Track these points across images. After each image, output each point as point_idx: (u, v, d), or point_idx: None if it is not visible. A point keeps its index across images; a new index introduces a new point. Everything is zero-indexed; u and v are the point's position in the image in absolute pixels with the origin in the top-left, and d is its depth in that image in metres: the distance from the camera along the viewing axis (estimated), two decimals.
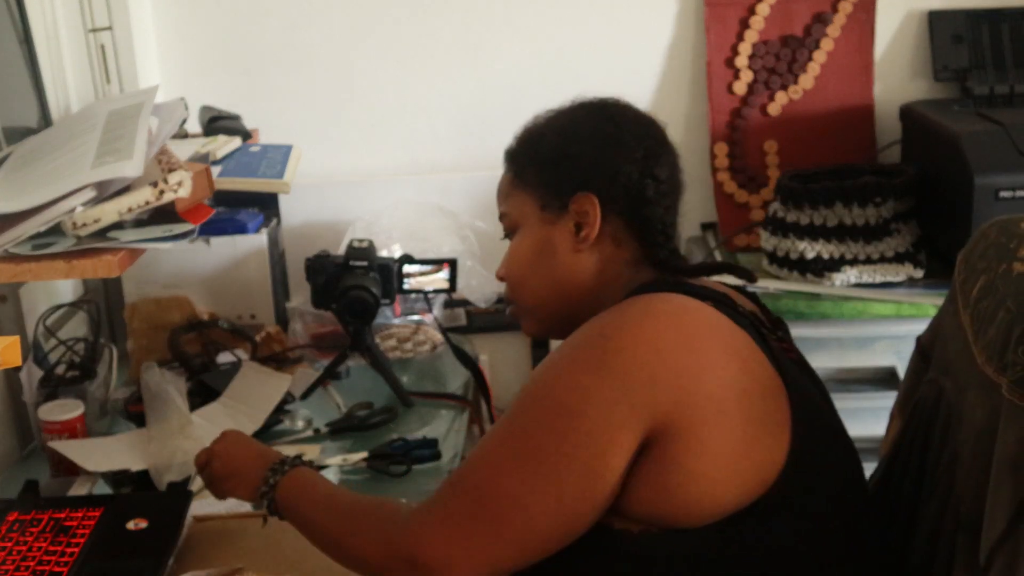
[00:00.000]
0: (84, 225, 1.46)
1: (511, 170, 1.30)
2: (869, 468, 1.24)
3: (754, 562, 1.07)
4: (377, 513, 1.15)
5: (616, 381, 1.05)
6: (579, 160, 1.23)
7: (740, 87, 2.34)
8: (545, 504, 1.06)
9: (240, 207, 2.10)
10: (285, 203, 2.21)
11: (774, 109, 2.35)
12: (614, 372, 1.05)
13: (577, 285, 1.24)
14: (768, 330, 1.19)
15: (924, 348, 1.25)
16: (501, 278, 1.32)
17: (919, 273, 2.08)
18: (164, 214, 1.55)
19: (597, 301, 1.21)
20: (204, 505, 1.54)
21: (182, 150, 1.86)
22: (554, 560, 1.09)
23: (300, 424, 1.80)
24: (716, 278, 1.28)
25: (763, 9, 2.32)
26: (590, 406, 1.05)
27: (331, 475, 1.63)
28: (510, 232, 1.30)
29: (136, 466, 1.59)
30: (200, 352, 1.95)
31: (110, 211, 1.47)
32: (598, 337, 1.09)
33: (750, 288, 1.31)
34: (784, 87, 2.34)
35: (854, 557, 1.13)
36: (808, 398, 1.13)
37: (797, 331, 1.33)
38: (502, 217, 1.31)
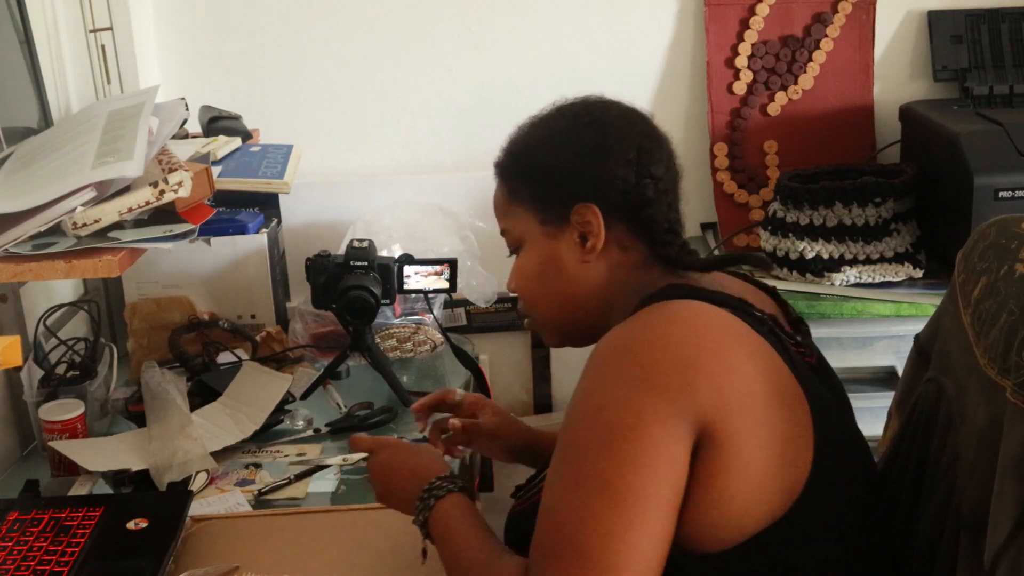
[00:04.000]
0: (84, 225, 1.47)
1: (504, 185, 1.28)
2: None
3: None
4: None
5: (660, 393, 1.03)
6: (571, 172, 1.20)
7: (740, 87, 2.35)
8: (647, 530, 1.02)
9: (240, 207, 2.10)
10: (285, 203, 2.21)
11: (774, 109, 2.35)
12: (655, 384, 1.03)
13: (589, 295, 1.22)
14: (787, 335, 1.16)
15: (923, 346, 1.25)
16: (512, 292, 1.30)
17: (919, 273, 2.08)
18: (164, 214, 1.55)
19: (611, 307, 1.20)
20: (204, 505, 1.54)
21: (182, 150, 1.86)
22: None
23: (300, 424, 1.80)
24: (731, 269, 1.25)
25: (763, 9, 2.32)
26: (644, 417, 1.02)
27: (331, 475, 1.64)
28: (514, 248, 1.28)
29: (136, 466, 1.59)
30: (200, 352, 1.95)
31: (110, 211, 1.47)
32: (625, 352, 1.06)
33: (770, 283, 1.29)
34: (784, 87, 2.34)
35: (870, 559, 1.13)
36: (827, 408, 1.11)
37: None
38: (504, 233, 1.29)
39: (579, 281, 1.22)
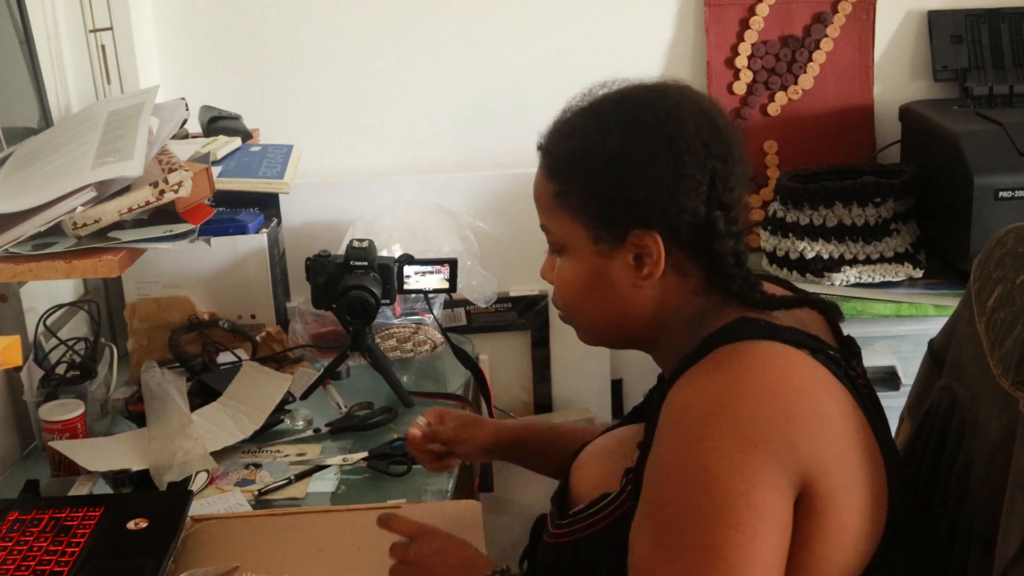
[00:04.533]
0: (84, 225, 1.47)
1: (551, 183, 1.14)
2: None
3: None
4: None
5: (767, 452, 0.96)
6: (637, 197, 1.08)
7: (740, 87, 2.34)
8: None
9: (240, 207, 2.10)
10: (285, 203, 2.21)
11: (774, 109, 2.35)
12: (759, 443, 0.96)
13: (638, 317, 1.13)
14: (848, 365, 1.09)
15: (936, 352, 1.24)
16: (555, 301, 1.21)
17: (919, 273, 2.08)
18: (164, 214, 1.55)
19: (661, 330, 1.14)
20: (204, 505, 1.54)
21: (182, 150, 1.86)
22: None
23: (300, 424, 1.80)
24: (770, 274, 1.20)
25: (763, 9, 2.32)
26: (760, 484, 0.96)
27: (331, 475, 1.64)
28: (556, 250, 1.17)
29: (136, 466, 1.59)
30: (200, 352, 1.95)
31: (110, 211, 1.47)
32: (722, 408, 0.98)
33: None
34: (784, 87, 2.34)
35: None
36: (894, 453, 1.07)
37: None
38: (544, 229, 1.17)
39: (629, 303, 1.12)
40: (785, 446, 0.97)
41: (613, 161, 1.09)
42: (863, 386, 1.09)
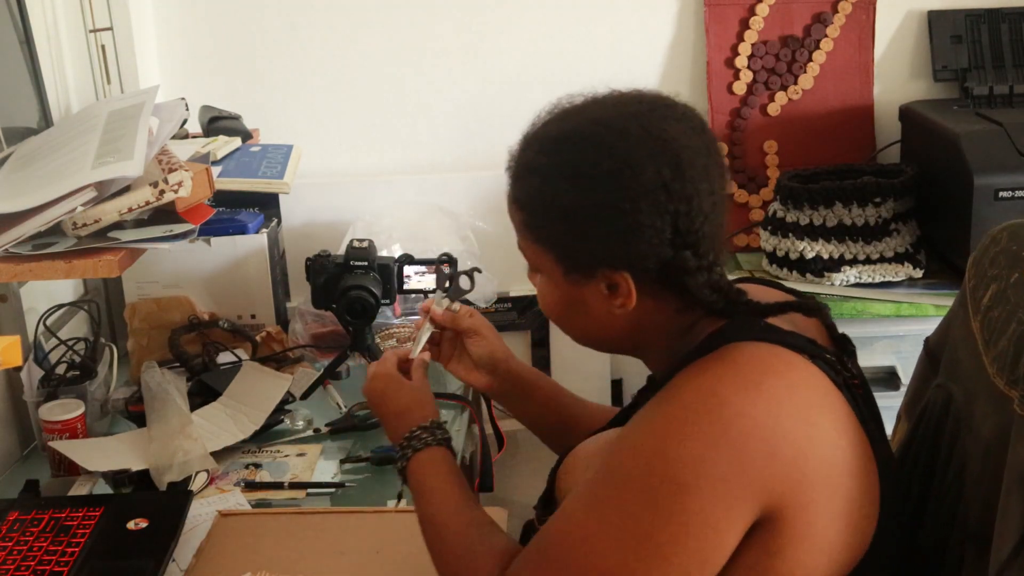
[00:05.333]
0: (84, 225, 1.47)
1: (520, 214, 1.11)
2: None
3: None
4: (474, 549, 1.11)
5: (733, 453, 0.94)
6: (596, 245, 1.05)
7: (740, 87, 2.34)
8: None
9: (240, 207, 2.10)
10: (285, 203, 2.21)
11: (774, 109, 2.35)
12: (732, 442, 0.95)
13: (619, 336, 1.12)
14: (842, 366, 1.07)
15: (932, 351, 1.24)
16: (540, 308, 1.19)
17: (918, 273, 2.08)
18: (164, 214, 1.55)
19: (646, 342, 1.13)
20: (204, 505, 1.54)
21: (182, 150, 1.86)
22: None
23: (300, 424, 1.80)
24: (760, 276, 1.19)
25: (763, 9, 2.32)
26: (704, 481, 0.94)
27: (331, 473, 1.64)
28: (532, 268, 1.16)
29: (136, 466, 1.59)
30: (200, 352, 1.95)
31: (110, 211, 1.47)
32: (711, 396, 0.97)
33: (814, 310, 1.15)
34: (784, 87, 2.35)
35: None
36: (888, 460, 1.06)
37: None
38: (520, 247, 1.15)
39: (607, 325, 1.11)
40: (762, 453, 0.95)
41: (568, 212, 1.05)
42: (858, 388, 1.07)
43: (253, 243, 2.05)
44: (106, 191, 1.49)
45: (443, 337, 1.43)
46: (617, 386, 2.44)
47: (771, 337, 1.03)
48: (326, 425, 1.80)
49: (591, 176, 1.04)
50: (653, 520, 0.95)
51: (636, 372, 2.41)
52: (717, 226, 1.07)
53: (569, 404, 1.43)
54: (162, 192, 1.49)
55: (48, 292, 1.93)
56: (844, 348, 1.13)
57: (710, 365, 1.00)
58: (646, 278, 1.06)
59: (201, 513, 1.51)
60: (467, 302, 2.23)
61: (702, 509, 0.95)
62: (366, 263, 1.88)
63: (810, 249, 2.07)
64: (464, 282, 1.47)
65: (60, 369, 1.77)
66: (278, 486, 1.60)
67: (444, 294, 1.44)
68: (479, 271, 1.50)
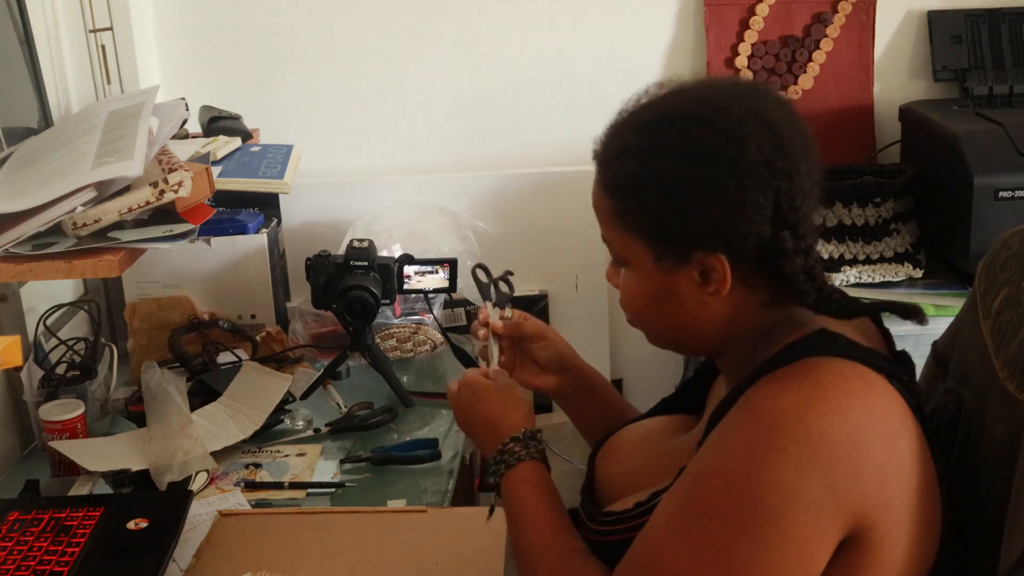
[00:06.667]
0: (84, 225, 1.47)
1: (609, 201, 1.08)
2: None
3: None
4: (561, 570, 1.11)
5: (823, 476, 0.93)
6: (697, 223, 1.02)
7: None
8: None
9: (240, 207, 2.10)
10: (285, 203, 2.21)
11: None
12: (820, 465, 0.93)
13: (706, 329, 1.09)
14: (915, 387, 1.05)
15: (940, 354, 1.23)
16: (622, 307, 1.16)
17: (918, 273, 2.08)
18: (164, 214, 1.55)
19: (729, 340, 1.10)
20: (204, 505, 1.54)
21: (182, 150, 1.86)
22: None
23: (300, 424, 1.80)
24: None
25: (763, 9, 2.32)
26: (798, 507, 0.93)
27: (331, 473, 1.64)
28: (618, 262, 1.13)
29: (136, 466, 1.59)
30: (200, 352, 1.95)
31: (110, 211, 1.48)
32: (794, 418, 0.94)
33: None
34: (784, 87, 2.35)
35: None
36: (944, 479, 1.05)
37: None
38: (605, 241, 1.12)
39: (696, 317, 1.08)
40: (849, 475, 0.94)
41: (669, 189, 1.02)
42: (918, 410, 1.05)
43: (253, 243, 2.05)
44: (106, 191, 1.49)
45: (503, 346, 1.42)
46: (617, 386, 2.43)
47: (852, 354, 1.00)
48: (326, 425, 1.80)
49: (693, 152, 1.01)
50: (750, 552, 0.94)
51: (636, 372, 2.42)
52: (813, 209, 1.06)
53: (620, 400, 1.44)
54: (162, 192, 1.49)
55: (48, 292, 1.93)
56: (906, 364, 1.11)
57: (792, 382, 0.98)
58: (742, 261, 1.03)
59: (201, 513, 1.51)
60: (467, 301, 2.24)
61: (796, 536, 0.93)
62: (366, 263, 1.88)
63: None
64: (504, 288, 1.47)
65: (60, 369, 1.77)
66: (278, 486, 1.60)
67: (492, 304, 1.43)
68: (511, 273, 1.49)
